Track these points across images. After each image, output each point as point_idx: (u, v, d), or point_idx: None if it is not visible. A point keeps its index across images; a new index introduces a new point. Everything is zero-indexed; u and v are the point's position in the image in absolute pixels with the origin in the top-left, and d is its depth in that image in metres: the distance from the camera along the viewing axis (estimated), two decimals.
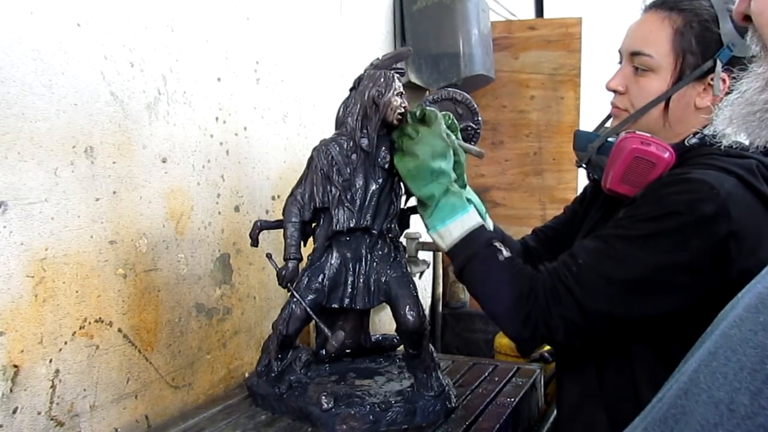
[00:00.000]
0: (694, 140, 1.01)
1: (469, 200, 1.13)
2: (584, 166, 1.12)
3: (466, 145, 1.18)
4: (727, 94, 0.99)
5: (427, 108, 1.13)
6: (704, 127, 1.01)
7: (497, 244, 1.02)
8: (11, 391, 1.06)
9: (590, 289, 0.92)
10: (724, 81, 0.98)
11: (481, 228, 1.05)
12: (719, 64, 0.97)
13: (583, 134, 1.15)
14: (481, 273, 1.02)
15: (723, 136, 0.99)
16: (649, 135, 1.00)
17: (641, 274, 0.90)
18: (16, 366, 1.07)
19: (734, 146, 0.97)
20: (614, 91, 1.06)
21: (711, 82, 0.98)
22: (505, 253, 1.01)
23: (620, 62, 1.06)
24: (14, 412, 1.07)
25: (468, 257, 1.03)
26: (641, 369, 0.99)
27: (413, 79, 2.32)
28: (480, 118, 1.45)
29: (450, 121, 1.17)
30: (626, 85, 1.04)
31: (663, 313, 0.93)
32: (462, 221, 1.04)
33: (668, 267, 0.89)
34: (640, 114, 1.02)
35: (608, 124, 1.12)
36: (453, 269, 1.06)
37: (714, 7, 0.98)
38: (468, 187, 1.25)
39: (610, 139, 1.06)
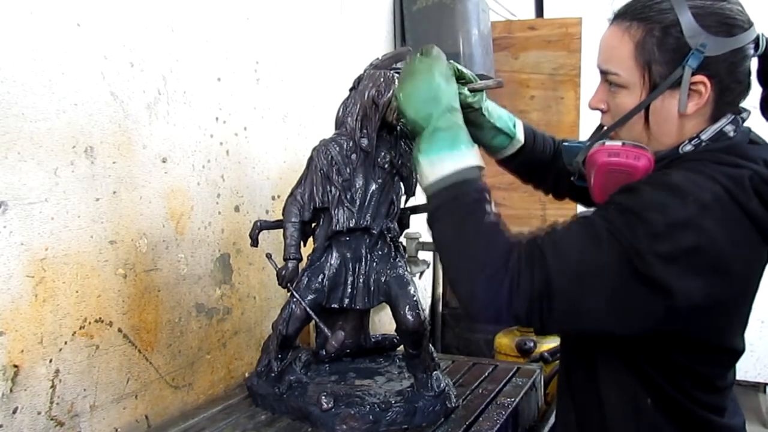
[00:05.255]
0: (688, 147, 0.95)
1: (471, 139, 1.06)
2: (575, 180, 1.09)
3: (482, 82, 1.14)
4: (718, 97, 0.93)
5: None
6: (701, 132, 0.95)
7: (488, 196, 0.91)
8: (11, 391, 1.06)
9: (564, 257, 0.85)
10: (704, 84, 0.92)
11: (479, 173, 0.92)
12: (687, 72, 0.90)
13: (568, 148, 1.12)
14: (460, 219, 0.90)
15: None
16: (619, 144, 0.96)
17: (612, 263, 0.84)
18: (16, 366, 1.07)
19: (730, 154, 0.91)
20: (598, 110, 1.03)
21: (693, 88, 0.92)
22: (495, 209, 0.90)
23: None
24: (14, 412, 1.07)
25: (452, 197, 0.90)
26: (607, 378, 0.98)
27: None
28: None
29: (458, 72, 1.12)
30: (606, 102, 1.00)
31: (624, 325, 0.88)
32: (461, 156, 0.91)
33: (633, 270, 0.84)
34: (612, 130, 0.99)
35: None
36: (428, 208, 0.95)
37: (674, 9, 0.91)
38: (493, 105, 1.21)
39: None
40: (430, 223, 0.94)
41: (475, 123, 1.17)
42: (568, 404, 1.09)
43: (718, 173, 0.87)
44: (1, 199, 1.04)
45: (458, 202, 0.90)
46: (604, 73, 0.99)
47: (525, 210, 2.72)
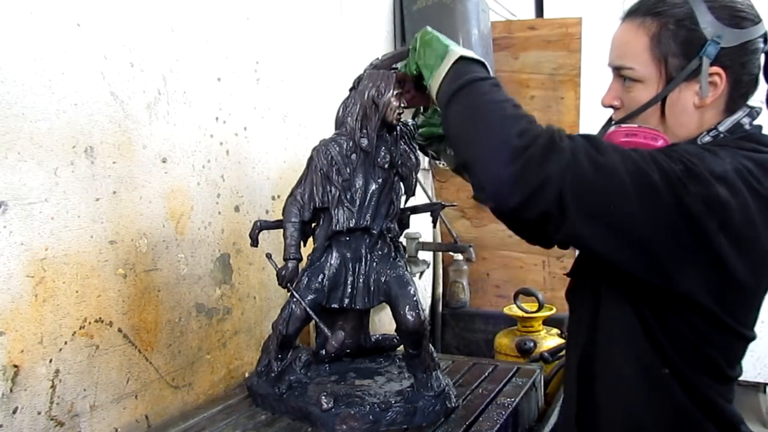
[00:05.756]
0: (707, 138, 0.97)
1: None
2: None
3: None
4: (732, 89, 0.95)
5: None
6: (719, 123, 0.97)
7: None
8: (11, 391, 1.06)
9: (608, 153, 0.83)
10: (719, 75, 0.94)
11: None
12: (706, 62, 0.92)
13: None
14: (487, 95, 0.89)
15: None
16: (635, 126, 0.98)
17: (657, 182, 0.83)
18: (16, 366, 1.07)
19: (749, 142, 0.94)
20: (611, 107, 1.04)
21: (708, 80, 0.94)
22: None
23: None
24: (14, 412, 1.07)
25: (478, 78, 0.91)
26: (621, 347, 0.98)
27: None
28: None
29: None
30: (620, 98, 1.02)
31: (646, 249, 0.86)
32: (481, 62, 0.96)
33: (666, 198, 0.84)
34: (624, 121, 1.00)
35: None
36: (448, 84, 0.94)
37: (689, 2, 0.93)
38: None
39: None
40: (452, 98, 0.91)
41: None
42: (572, 386, 1.09)
43: (740, 156, 0.90)
44: (1, 199, 1.04)
45: (483, 83, 0.91)
46: (618, 69, 1.01)
47: None
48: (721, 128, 0.97)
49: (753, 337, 0.99)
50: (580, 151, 0.82)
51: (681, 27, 0.94)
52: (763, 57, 0.98)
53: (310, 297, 1.25)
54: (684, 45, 0.94)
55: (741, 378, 1.03)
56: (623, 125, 0.99)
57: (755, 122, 1.00)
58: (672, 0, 0.95)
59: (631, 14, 0.99)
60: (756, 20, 0.95)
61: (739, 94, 0.97)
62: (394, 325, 1.26)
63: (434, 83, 0.98)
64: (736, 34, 0.93)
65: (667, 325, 0.95)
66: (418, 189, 1.41)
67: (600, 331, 1.03)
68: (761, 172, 0.89)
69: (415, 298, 1.23)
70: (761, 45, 0.96)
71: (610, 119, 1.07)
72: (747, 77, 0.97)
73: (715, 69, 0.94)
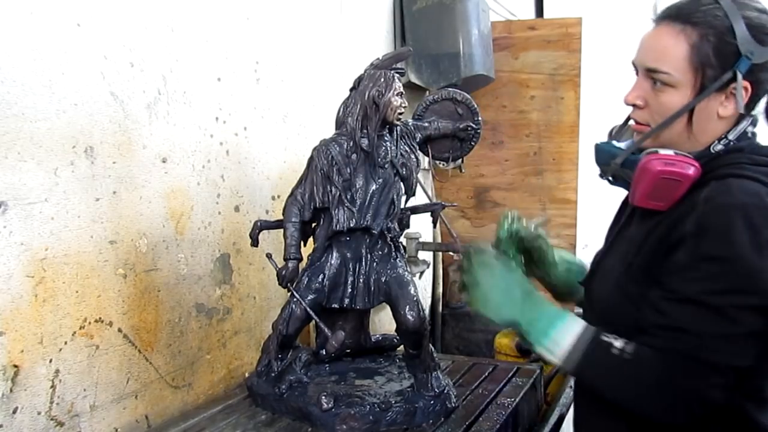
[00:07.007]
0: (719, 147, 1.00)
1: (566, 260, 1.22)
2: (609, 180, 1.12)
3: (535, 221, 1.22)
4: (750, 101, 0.99)
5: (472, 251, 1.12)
6: (728, 132, 1.00)
7: (605, 337, 0.98)
8: (11, 391, 1.06)
9: (717, 350, 0.90)
10: (746, 89, 0.97)
11: (586, 329, 1.00)
12: (740, 76, 0.96)
13: (604, 148, 1.13)
14: (601, 378, 0.98)
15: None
16: (672, 153, 0.99)
17: (748, 323, 0.89)
18: (16, 366, 1.07)
19: (760, 154, 0.98)
20: (633, 105, 1.05)
21: (733, 92, 0.97)
22: (617, 344, 0.96)
23: (636, 73, 1.04)
24: (14, 412, 1.07)
25: (582, 365, 0.98)
26: None
27: (413, 79, 2.32)
28: (480, 118, 1.46)
29: (515, 225, 1.20)
30: (645, 99, 1.03)
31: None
32: (564, 329, 1.00)
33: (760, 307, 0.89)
34: (660, 128, 1.02)
35: (629, 136, 1.09)
36: (570, 374, 1.06)
37: (728, 17, 0.96)
38: (557, 251, 1.25)
39: (632, 154, 1.05)
40: (584, 383, 1.06)
41: (544, 260, 1.22)
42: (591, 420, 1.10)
43: (759, 174, 0.94)
44: (1, 199, 1.04)
45: (590, 367, 0.99)
46: (650, 71, 1.02)
47: (525, 210, 2.71)
48: (731, 137, 1.00)
49: None
50: (719, 379, 0.90)
51: (720, 39, 0.96)
52: None
53: (310, 297, 1.25)
54: (721, 57, 0.96)
55: None
56: (660, 152, 1.00)
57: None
58: (713, 11, 0.97)
59: (670, 18, 1.00)
60: None
61: (751, 106, 1.01)
62: (394, 325, 1.26)
63: (552, 352, 1.01)
64: (765, 51, 0.96)
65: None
66: (418, 189, 1.41)
67: None
68: None
69: (415, 298, 1.23)
70: None
71: (628, 118, 1.08)
72: (762, 92, 1.01)
73: (744, 83, 0.97)
